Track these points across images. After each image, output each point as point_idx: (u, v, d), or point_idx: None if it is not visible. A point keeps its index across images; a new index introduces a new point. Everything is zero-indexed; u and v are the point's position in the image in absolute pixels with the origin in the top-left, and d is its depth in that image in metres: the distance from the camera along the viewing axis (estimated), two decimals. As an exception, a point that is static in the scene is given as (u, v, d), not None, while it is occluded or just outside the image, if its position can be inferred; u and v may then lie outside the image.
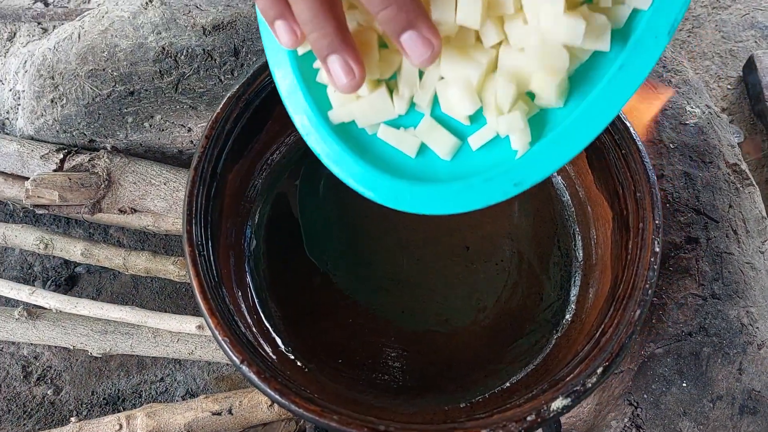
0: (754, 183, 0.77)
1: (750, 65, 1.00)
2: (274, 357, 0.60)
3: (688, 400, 0.64)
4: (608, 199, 0.64)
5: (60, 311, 0.76)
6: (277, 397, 0.52)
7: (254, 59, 0.77)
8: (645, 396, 0.65)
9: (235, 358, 0.53)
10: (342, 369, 0.65)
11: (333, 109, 0.49)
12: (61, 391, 0.81)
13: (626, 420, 0.65)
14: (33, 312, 0.77)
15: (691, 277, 0.69)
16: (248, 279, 0.67)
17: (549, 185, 0.74)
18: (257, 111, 0.66)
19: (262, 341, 0.61)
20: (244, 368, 0.53)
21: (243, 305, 0.62)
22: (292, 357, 0.63)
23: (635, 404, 0.65)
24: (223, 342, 0.54)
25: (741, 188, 0.75)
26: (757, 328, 0.67)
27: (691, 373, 0.65)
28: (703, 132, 0.78)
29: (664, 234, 0.71)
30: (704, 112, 0.80)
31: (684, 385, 0.65)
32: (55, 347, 0.83)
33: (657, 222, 0.57)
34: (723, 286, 0.69)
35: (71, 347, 0.77)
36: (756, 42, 1.07)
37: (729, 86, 1.04)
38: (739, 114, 1.01)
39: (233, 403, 0.70)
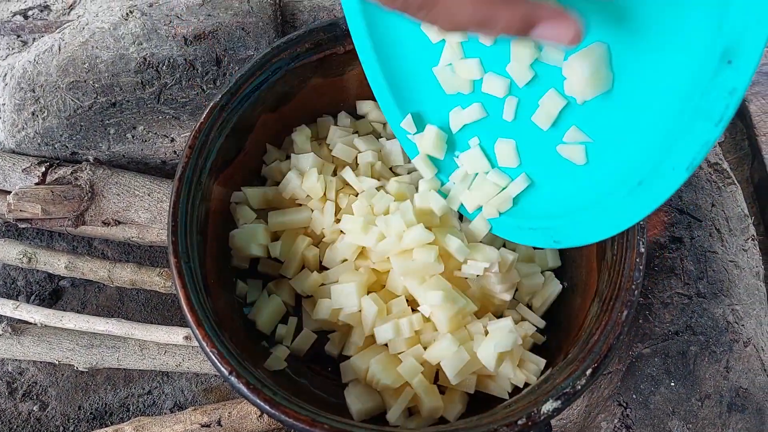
0: (735, 182, 0.77)
1: (729, 65, 1.01)
2: (263, 366, 0.60)
3: (676, 399, 0.65)
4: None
5: (45, 325, 0.76)
6: (267, 407, 0.51)
7: (236, 68, 0.77)
8: (634, 396, 0.65)
9: (223, 369, 0.53)
10: (332, 378, 0.65)
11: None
12: (47, 407, 0.80)
13: (616, 421, 0.65)
14: (17, 327, 0.76)
15: (677, 277, 0.70)
16: (236, 288, 0.67)
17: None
18: (241, 120, 0.66)
19: (250, 351, 0.61)
20: (233, 380, 0.52)
21: (231, 315, 0.62)
22: (282, 366, 0.62)
23: (624, 405, 0.65)
24: (211, 353, 0.53)
25: (723, 187, 0.76)
26: (743, 325, 0.68)
27: (679, 372, 0.66)
28: (685, 132, 0.78)
29: (649, 234, 0.71)
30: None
31: (672, 384, 0.65)
32: (41, 362, 0.82)
33: (641, 222, 0.58)
34: (708, 285, 0.69)
35: (57, 362, 0.76)
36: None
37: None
38: (719, 114, 1.02)
39: (222, 415, 0.70)
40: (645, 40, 0.43)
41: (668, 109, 0.42)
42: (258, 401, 0.52)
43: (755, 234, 0.75)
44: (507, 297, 0.63)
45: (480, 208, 0.63)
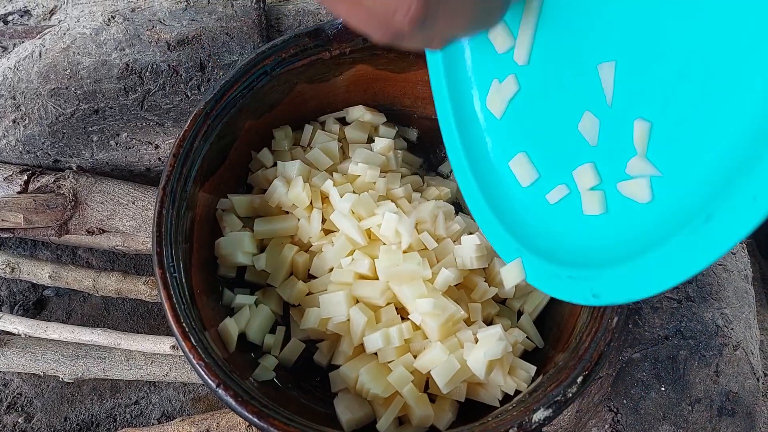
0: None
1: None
2: (250, 378, 0.59)
3: (667, 404, 0.65)
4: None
5: (29, 336, 0.74)
6: (255, 420, 0.51)
7: (221, 74, 0.76)
8: (624, 401, 0.65)
9: (210, 381, 0.52)
10: (321, 387, 0.64)
11: None
12: (33, 419, 0.79)
13: (607, 426, 0.65)
14: (1, 339, 0.74)
15: (666, 281, 0.70)
16: (223, 298, 0.66)
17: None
18: (226, 127, 0.65)
19: (238, 362, 0.60)
20: (221, 392, 0.52)
21: (218, 325, 0.61)
22: (270, 377, 0.62)
23: (615, 410, 0.65)
24: (197, 366, 0.53)
25: (711, 190, 0.76)
26: (732, 329, 0.68)
27: (669, 376, 0.65)
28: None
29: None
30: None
31: (662, 389, 0.65)
32: (26, 374, 0.80)
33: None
34: (697, 289, 0.69)
35: (41, 374, 0.75)
36: None
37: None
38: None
39: (211, 425, 0.69)
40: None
41: (747, 116, 0.35)
42: (246, 413, 0.51)
43: (743, 236, 0.76)
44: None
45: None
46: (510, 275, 0.59)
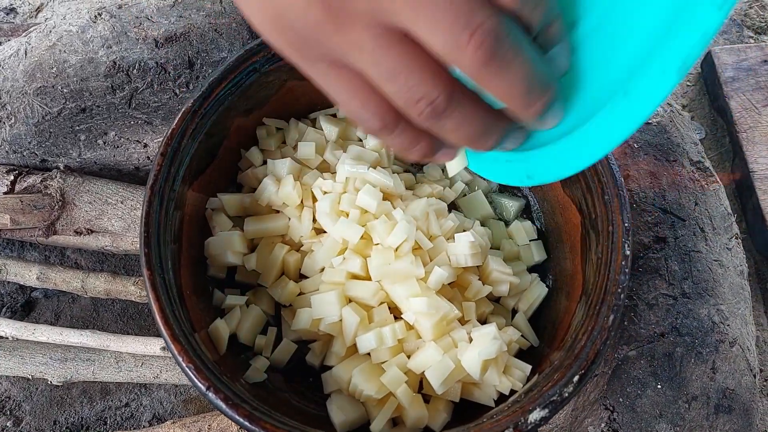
0: (718, 180, 0.77)
1: (708, 61, 1.01)
2: (242, 380, 0.58)
3: (663, 401, 0.64)
4: (576, 202, 0.64)
5: (17, 339, 0.73)
6: (246, 423, 0.50)
7: (209, 71, 0.75)
8: (620, 399, 0.65)
9: (200, 384, 0.51)
10: (313, 389, 0.63)
11: None
12: (22, 422, 0.78)
13: (603, 425, 0.64)
14: (-13, 342, 0.73)
15: (661, 277, 0.69)
16: (213, 299, 0.65)
17: (516, 189, 0.74)
18: (215, 125, 0.64)
19: (228, 363, 0.59)
20: (211, 395, 0.51)
21: (208, 327, 0.60)
22: (262, 378, 0.61)
23: (611, 408, 0.65)
24: (187, 369, 0.52)
25: (706, 185, 0.75)
26: (728, 325, 0.67)
27: (666, 374, 0.65)
28: (666, 130, 0.78)
29: (633, 235, 0.71)
30: (666, 110, 0.80)
31: (659, 386, 0.65)
32: (13, 377, 0.79)
33: (626, 225, 0.57)
34: (693, 285, 0.69)
35: (30, 377, 0.74)
36: (713, 39, 1.07)
37: (688, 83, 1.04)
38: (700, 110, 1.01)
39: (202, 428, 0.68)
40: None
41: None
42: (236, 417, 0.50)
43: (738, 232, 0.75)
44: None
45: None
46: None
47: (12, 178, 0.76)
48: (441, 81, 0.34)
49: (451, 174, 0.59)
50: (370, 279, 0.61)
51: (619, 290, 0.54)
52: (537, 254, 0.68)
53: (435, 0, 0.30)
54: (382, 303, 0.61)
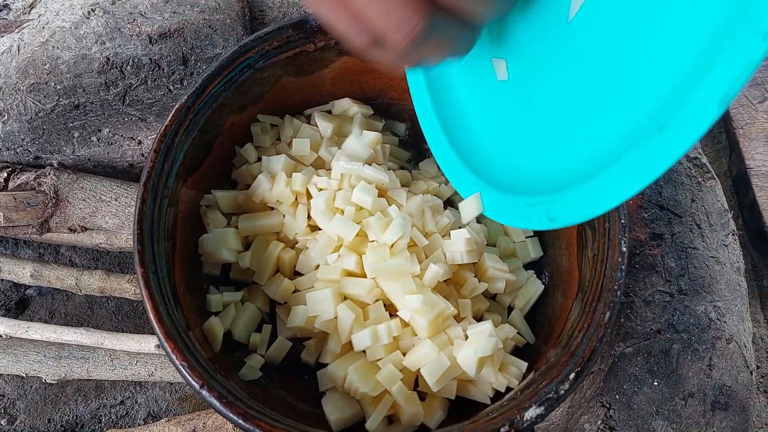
0: (714, 176, 0.77)
1: (705, 57, 1.01)
2: (236, 378, 0.58)
3: (660, 398, 0.64)
4: (572, 199, 0.63)
5: (10, 337, 0.73)
6: (240, 421, 0.49)
7: (203, 67, 0.74)
8: (617, 397, 0.64)
9: (194, 382, 0.51)
10: (308, 386, 0.63)
11: None
12: (16, 421, 0.78)
13: (599, 422, 0.64)
14: (-19, 340, 0.73)
15: (658, 274, 0.69)
16: (207, 297, 0.64)
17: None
18: (209, 121, 0.64)
19: (223, 361, 0.59)
20: (205, 393, 0.50)
21: (202, 325, 0.60)
22: (256, 376, 0.60)
23: (607, 405, 0.64)
24: (181, 366, 0.51)
25: (702, 182, 0.75)
26: (725, 322, 0.67)
27: (662, 371, 0.65)
28: (663, 126, 0.77)
29: (629, 231, 0.70)
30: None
31: (655, 383, 0.64)
32: (7, 375, 0.79)
33: (623, 221, 0.56)
34: (689, 282, 0.68)
35: (24, 375, 0.73)
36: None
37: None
38: (696, 106, 1.01)
39: (197, 425, 0.68)
40: None
41: (697, 26, 0.34)
42: (231, 415, 0.50)
43: (735, 229, 0.75)
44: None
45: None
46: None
47: (5, 175, 0.75)
48: (419, 5, 0.37)
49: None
50: (365, 276, 0.61)
51: (616, 287, 0.54)
52: (533, 251, 0.68)
53: None
54: (377, 300, 0.61)
